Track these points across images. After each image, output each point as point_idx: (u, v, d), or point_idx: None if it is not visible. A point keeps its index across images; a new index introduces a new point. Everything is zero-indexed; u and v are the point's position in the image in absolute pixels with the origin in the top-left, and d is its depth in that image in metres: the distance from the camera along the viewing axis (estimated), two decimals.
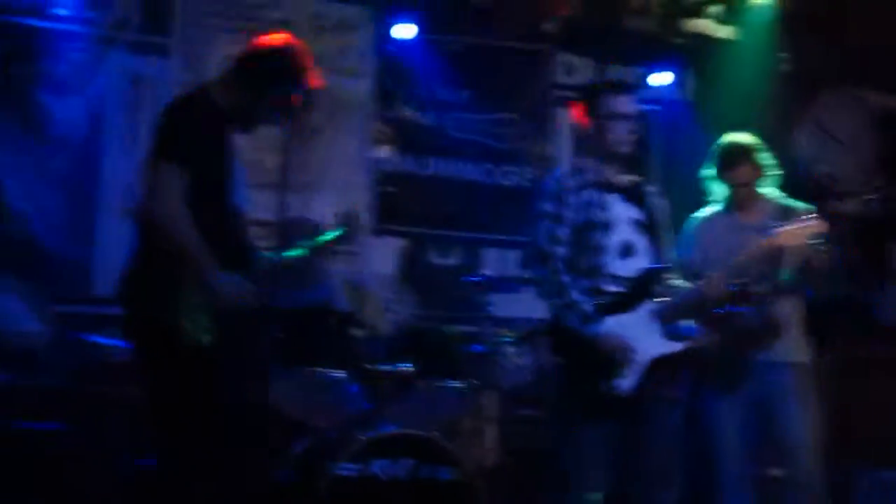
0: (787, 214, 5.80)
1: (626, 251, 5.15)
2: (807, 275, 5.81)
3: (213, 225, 4.52)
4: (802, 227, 5.36)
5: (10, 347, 6.57)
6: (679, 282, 5.31)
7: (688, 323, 5.67)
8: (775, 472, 6.46)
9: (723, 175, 6.08)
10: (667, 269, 5.26)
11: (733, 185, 6.06)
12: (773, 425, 6.04)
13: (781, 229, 5.35)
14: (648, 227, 5.26)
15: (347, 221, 5.15)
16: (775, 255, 5.61)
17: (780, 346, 5.96)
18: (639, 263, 5.17)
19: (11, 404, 6.31)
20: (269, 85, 4.70)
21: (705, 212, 6.20)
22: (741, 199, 6.06)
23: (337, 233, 5.08)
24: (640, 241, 5.20)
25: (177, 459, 4.53)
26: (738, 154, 6.04)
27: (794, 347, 6.01)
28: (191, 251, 4.42)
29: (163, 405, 4.57)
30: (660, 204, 5.38)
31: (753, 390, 5.98)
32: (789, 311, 6.00)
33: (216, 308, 4.47)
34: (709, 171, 6.13)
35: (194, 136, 4.50)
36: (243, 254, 4.76)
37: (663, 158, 8.48)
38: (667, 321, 5.15)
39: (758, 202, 6.05)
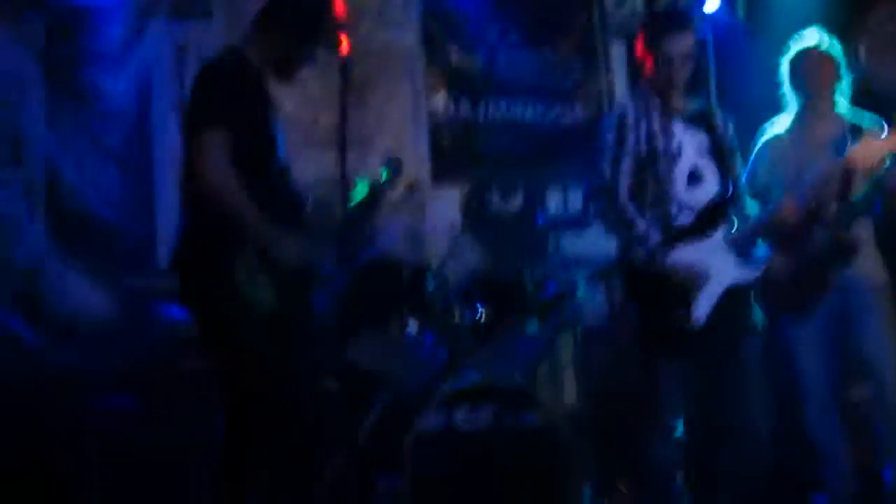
0: (857, 130, 5.72)
1: (694, 178, 5.11)
2: (881, 193, 5.74)
3: (261, 184, 4.49)
4: (874, 146, 5.28)
5: (80, 326, 6.59)
6: (749, 206, 5.25)
7: (761, 248, 5.63)
8: (860, 394, 6.42)
9: (797, 79, 5.96)
10: (736, 195, 5.20)
11: (808, 91, 5.94)
12: (854, 346, 6.00)
13: (853, 149, 5.27)
14: (715, 152, 5.22)
15: (393, 165, 5.11)
16: (848, 176, 5.55)
17: (854, 265, 5.90)
18: (707, 190, 5.13)
19: (87, 383, 6.33)
20: (297, 25, 4.66)
21: (774, 129, 6.09)
22: (815, 109, 5.93)
23: (384, 177, 5.04)
24: (708, 168, 5.17)
25: (243, 430, 4.52)
26: (816, 54, 5.92)
27: (869, 265, 5.95)
28: (243, 214, 4.40)
29: (227, 373, 4.56)
30: (725, 127, 5.31)
31: (831, 312, 5.94)
32: (863, 229, 5.93)
33: (276, 269, 4.44)
34: (783, 76, 6.01)
35: (230, 98, 4.46)
36: (296, 212, 4.72)
37: (718, 81, 8.34)
38: (740, 248, 5.10)
39: (830, 116, 5.93)
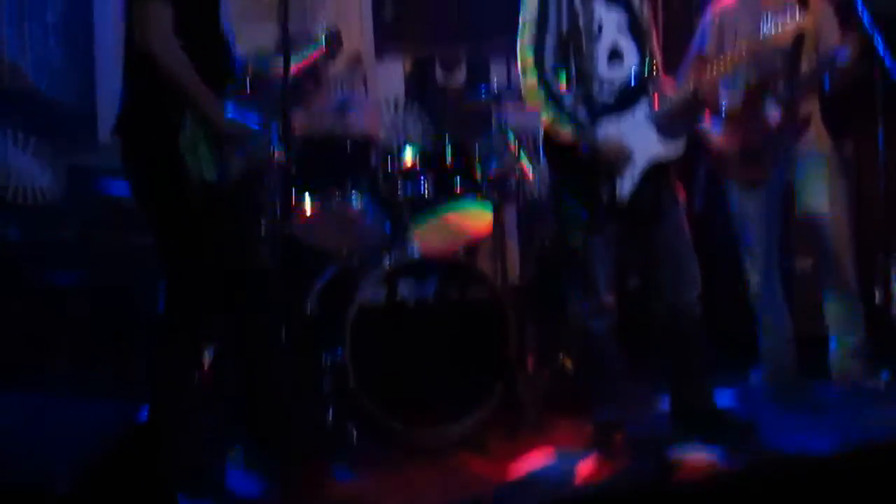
0: (803, 1, 5.70)
1: (614, 56, 5.14)
2: (830, 69, 5.76)
3: (205, 55, 4.48)
4: (793, 23, 5.27)
5: (24, 203, 6.55)
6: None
7: (708, 120, 5.66)
8: (804, 263, 6.48)
9: None
10: (656, 71, 5.21)
11: None
12: (801, 216, 6.05)
13: (771, 25, 5.27)
14: (633, 30, 5.27)
15: (328, 35, 5.07)
16: (794, 48, 5.58)
17: (803, 138, 5.94)
18: (627, 68, 5.21)
19: (32, 259, 6.32)
20: None
21: (722, 1, 6.08)
22: None
23: (314, 46, 5.01)
24: (627, 46, 5.21)
25: (186, 301, 4.55)
26: None
27: (814, 137, 5.99)
28: (187, 84, 4.40)
29: (167, 245, 4.58)
30: (641, 6, 5.32)
31: (778, 184, 5.98)
32: (810, 103, 5.96)
33: (219, 140, 4.41)
34: None
35: None
36: (238, 84, 4.72)
37: None
38: (662, 124, 5.12)
39: None
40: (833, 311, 6.09)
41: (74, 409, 3.67)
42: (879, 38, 5.35)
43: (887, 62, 5.25)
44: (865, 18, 5.44)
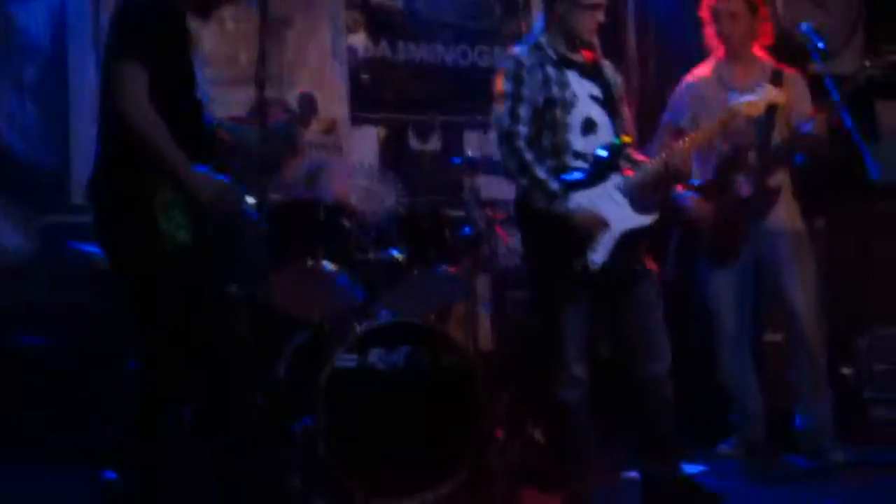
0: (778, 76, 5.79)
1: (588, 127, 5.17)
2: (801, 141, 5.82)
3: (179, 120, 4.45)
4: (765, 96, 5.34)
5: None
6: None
7: (681, 194, 5.69)
8: (774, 336, 6.51)
9: (718, 23, 6.03)
10: (628, 143, 5.25)
11: (728, 37, 6.01)
12: (771, 292, 6.08)
13: (743, 98, 5.31)
14: (607, 102, 5.31)
15: (302, 104, 5.08)
16: (766, 120, 5.63)
17: (773, 213, 5.98)
18: (601, 139, 5.23)
19: (4, 320, 6.28)
20: None
21: (695, 73, 6.16)
22: (733, 55, 6.02)
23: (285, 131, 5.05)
24: (601, 117, 5.23)
25: (161, 366, 4.54)
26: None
27: (786, 214, 6.03)
28: (162, 148, 4.36)
29: (141, 309, 4.55)
30: (614, 78, 5.35)
31: (749, 258, 6.01)
32: (780, 176, 6.00)
33: (193, 205, 4.40)
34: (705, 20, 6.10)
35: (152, 31, 4.42)
36: (211, 148, 4.70)
37: (642, 26, 8.33)
38: (635, 195, 5.14)
39: (750, 61, 6.00)
40: (801, 385, 6.11)
41: (45, 476, 3.65)
42: (847, 114, 5.45)
43: (854, 137, 5.33)
44: (834, 94, 5.54)
